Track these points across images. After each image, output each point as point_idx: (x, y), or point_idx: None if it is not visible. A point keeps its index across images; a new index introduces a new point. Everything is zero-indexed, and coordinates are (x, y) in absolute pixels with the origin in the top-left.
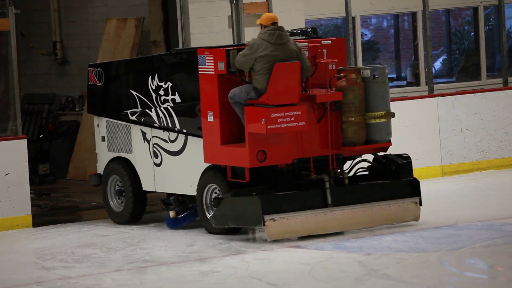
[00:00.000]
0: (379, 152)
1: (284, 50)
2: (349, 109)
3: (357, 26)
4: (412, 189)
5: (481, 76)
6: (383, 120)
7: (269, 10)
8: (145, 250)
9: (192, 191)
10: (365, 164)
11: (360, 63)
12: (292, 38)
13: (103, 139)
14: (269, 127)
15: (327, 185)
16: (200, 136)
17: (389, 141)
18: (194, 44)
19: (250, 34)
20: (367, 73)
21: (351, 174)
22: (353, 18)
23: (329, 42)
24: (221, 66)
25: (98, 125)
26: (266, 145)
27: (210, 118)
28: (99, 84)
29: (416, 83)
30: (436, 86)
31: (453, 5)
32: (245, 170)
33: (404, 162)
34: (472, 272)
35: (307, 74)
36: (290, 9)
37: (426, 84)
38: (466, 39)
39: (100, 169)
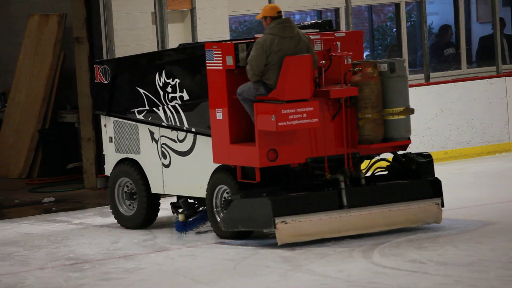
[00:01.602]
0: (398, 151)
1: (295, 43)
2: (365, 105)
3: None
4: (434, 190)
5: None
6: (401, 116)
7: (193, 6)
8: (69, 248)
9: (202, 193)
10: (384, 164)
11: None
12: (303, 31)
13: (110, 139)
14: (279, 124)
15: (343, 185)
16: (209, 135)
17: (409, 138)
18: (117, 40)
19: (174, 30)
20: (384, 66)
21: (368, 174)
22: None
23: (343, 34)
24: (229, 60)
25: (105, 125)
26: (277, 143)
27: (219, 116)
28: (105, 82)
29: None
30: None
31: (375, 1)
32: (255, 170)
33: (424, 161)
34: (396, 266)
35: (315, 65)
36: (214, 5)
37: None
38: (388, 35)
39: (108, 171)
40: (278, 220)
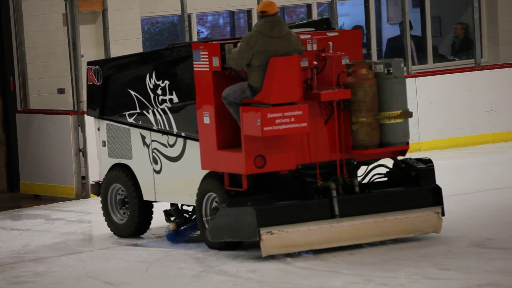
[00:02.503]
0: (397, 156)
1: (283, 44)
2: (359, 109)
3: (193, 24)
4: (434, 198)
5: None
6: (398, 120)
7: (104, 7)
8: None
9: (193, 201)
10: (383, 170)
11: None
12: (296, 30)
13: (103, 143)
14: (265, 129)
15: (334, 193)
16: (198, 140)
17: (407, 143)
18: (28, 42)
19: (86, 31)
20: (380, 67)
21: (366, 180)
22: (189, 16)
23: (336, 34)
24: (216, 61)
25: (98, 129)
26: (265, 149)
27: (206, 120)
28: (98, 84)
29: None
30: None
31: (287, 2)
32: (242, 177)
33: (424, 167)
34: (308, 266)
35: None
36: (126, 6)
37: None
38: None
39: (101, 177)
40: (263, 231)
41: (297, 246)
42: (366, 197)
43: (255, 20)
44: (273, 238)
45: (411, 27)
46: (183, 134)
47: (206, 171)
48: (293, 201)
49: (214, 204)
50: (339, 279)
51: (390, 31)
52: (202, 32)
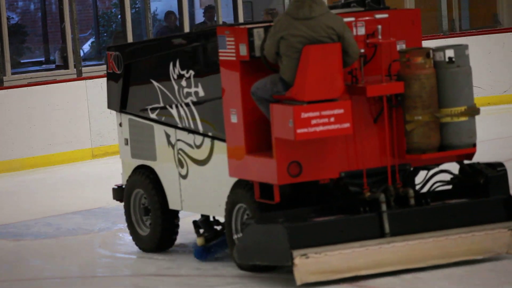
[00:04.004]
0: (463, 160)
1: (315, 28)
2: (414, 105)
3: (2, 9)
4: (506, 211)
5: None
6: (463, 118)
7: None
8: None
9: (222, 212)
10: (446, 177)
11: (7, 49)
12: (335, 11)
13: (126, 142)
14: (298, 131)
15: (384, 207)
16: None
17: (474, 145)
18: None
19: None
20: (440, 55)
21: (425, 189)
22: None
23: (385, 15)
24: (243, 49)
25: (120, 124)
26: (301, 154)
27: (233, 119)
28: (118, 72)
29: (65, 66)
30: (85, 69)
31: None
32: (274, 188)
33: (495, 175)
34: (122, 253)
35: (353, 59)
36: None
37: (75, 67)
38: (113, 22)
39: (125, 180)
40: (296, 254)
41: (338, 272)
42: (423, 211)
43: (66, 6)
44: (309, 262)
45: None
46: (210, 133)
47: (235, 178)
48: (334, 217)
49: (245, 217)
50: (154, 265)
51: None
52: (12, 18)
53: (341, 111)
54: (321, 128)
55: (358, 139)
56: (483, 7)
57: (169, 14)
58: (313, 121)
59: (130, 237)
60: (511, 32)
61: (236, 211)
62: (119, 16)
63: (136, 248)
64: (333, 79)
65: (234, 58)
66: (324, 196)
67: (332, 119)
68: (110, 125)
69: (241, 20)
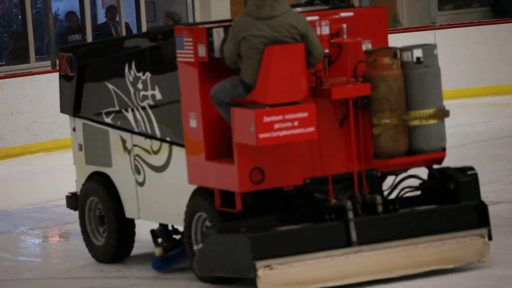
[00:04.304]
0: (432, 165)
1: (277, 28)
2: (381, 108)
3: None
4: (478, 217)
5: (30, 59)
6: (432, 121)
7: None
8: None
9: (181, 221)
10: (415, 182)
11: None
12: (297, 9)
13: (80, 147)
14: (261, 136)
15: (351, 214)
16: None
17: (443, 149)
18: None
19: None
20: (407, 55)
21: (393, 195)
22: None
23: (351, 14)
24: (202, 50)
25: (74, 129)
26: (263, 160)
27: (192, 123)
28: (71, 75)
29: None
30: None
31: None
32: (236, 195)
33: (466, 180)
34: (25, 256)
35: (317, 60)
36: None
37: None
38: (14, 22)
39: (79, 188)
40: (260, 265)
41: (304, 283)
42: (392, 218)
43: None
44: (273, 274)
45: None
46: (168, 138)
47: (195, 186)
48: (299, 226)
49: (206, 227)
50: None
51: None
52: None
53: (305, 114)
54: (284, 132)
55: (323, 143)
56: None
57: (70, 14)
58: (276, 126)
59: (35, 241)
60: (411, 32)
61: (196, 220)
62: (20, 16)
63: (38, 250)
64: (296, 81)
65: (192, 60)
66: (288, 203)
67: (296, 123)
68: (11, 127)
69: (143, 20)
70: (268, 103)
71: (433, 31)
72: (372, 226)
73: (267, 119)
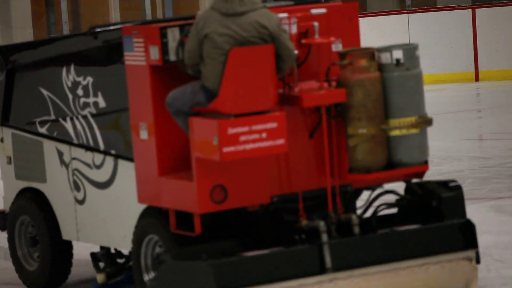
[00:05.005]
0: (411, 179)
1: (245, 26)
2: (358, 116)
3: None
4: (464, 238)
5: None
6: (413, 130)
7: None
8: None
9: (128, 245)
10: (391, 197)
11: None
12: (266, 5)
13: (8, 160)
14: (225, 150)
15: (325, 237)
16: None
17: (425, 163)
18: None
19: None
20: (386, 57)
21: (367, 214)
22: None
23: (323, 11)
24: (155, 53)
25: (1, 140)
26: (226, 176)
27: (143, 134)
28: None
29: None
30: None
31: None
32: (194, 217)
33: (449, 195)
34: None
35: (288, 65)
36: None
37: None
38: None
39: (7, 205)
40: None
41: None
42: (370, 241)
43: None
44: None
45: None
46: (113, 151)
47: (144, 205)
48: (267, 250)
49: (157, 250)
50: None
51: None
52: None
53: (274, 125)
54: (251, 145)
55: (291, 157)
56: (186, 7)
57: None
58: (242, 138)
59: None
60: None
61: (146, 243)
62: None
63: None
64: (264, 87)
65: (143, 63)
66: (252, 225)
67: (264, 135)
68: None
69: None
70: (233, 112)
71: None
72: (348, 250)
73: (231, 130)
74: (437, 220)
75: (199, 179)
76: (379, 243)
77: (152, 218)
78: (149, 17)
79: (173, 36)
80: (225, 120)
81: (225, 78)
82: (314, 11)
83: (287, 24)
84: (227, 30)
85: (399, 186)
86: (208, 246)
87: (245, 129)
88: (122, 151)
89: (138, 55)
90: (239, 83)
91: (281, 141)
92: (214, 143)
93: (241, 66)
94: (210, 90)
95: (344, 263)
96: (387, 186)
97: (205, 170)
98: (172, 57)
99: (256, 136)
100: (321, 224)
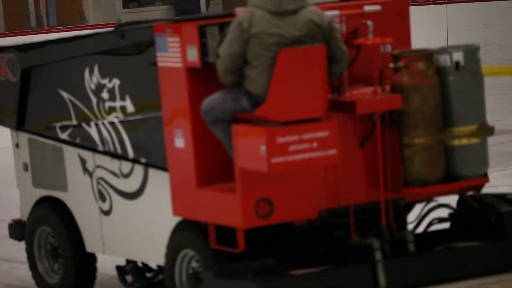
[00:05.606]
0: (467, 192)
1: (295, 25)
2: (414, 124)
3: None
4: None
5: None
6: (474, 140)
7: None
8: None
9: (159, 259)
10: (443, 212)
11: None
12: (315, 0)
13: (25, 167)
14: (273, 160)
15: (379, 255)
16: (167, 170)
17: (485, 175)
18: None
19: None
20: (445, 59)
21: (419, 230)
22: None
23: (378, 8)
24: (193, 53)
25: (17, 145)
26: (271, 189)
27: (179, 143)
28: (13, 80)
29: None
30: None
31: None
32: (238, 232)
33: (510, 209)
34: None
35: (341, 68)
36: None
37: None
38: None
39: (24, 215)
40: None
41: None
42: (426, 259)
43: None
44: None
45: None
46: (143, 160)
47: (178, 217)
48: (317, 269)
49: (193, 265)
50: None
51: None
52: None
53: (325, 134)
54: (301, 156)
55: (340, 168)
56: (70, 4)
57: None
58: (291, 148)
59: None
60: (97, 29)
61: (181, 258)
62: None
63: None
64: (316, 92)
65: (179, 65)
66: (296, 240)
67: (314, 145)
68: None
69: None
70: (281, 120)
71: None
72: (403, 269)
73: (280, 139)
74: (496, 236)
75: (243, 191)
76: (435, 261)
77: (188, 232)
78: (32, 14)
79: (212, 35)
80: (273, 128)
81: (273, 82)
82: (368, 8)
83: (338, 23)
84: (278, 30)
85: (451, 199)
86: (250, 263)
87: (295, 138)
88: (154, 160)
89: (173, 56)
90: (289, 88)
91: (332, 152)
92: (261, 153)
93: (291, 69)
94: (255, 96)
95: (399, 283)
96: (440, 199)
97: (250, 182)
98: (212, 58)
99: (306, 145)
100: (375, 242)
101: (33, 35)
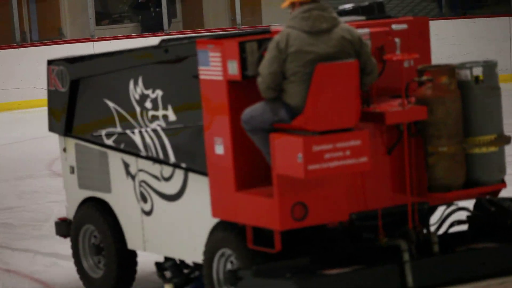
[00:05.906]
0: (484, 196)
1: (328, 43)
2: (438, 134)
3: None
4: None
5: None
6: (492, 149)
7: None
8: None
9: (197, 257)
10: (461, 215)
11: None
12: (344, 19)
13: (71, 170)
14: (310, 167)
15: (406, 256)
16: (206, 174)
17: (503, 181)
18: None
19: None
20: (465, 74)
21: (440, 231)
22: None
23: (404, 26)
24: (233, 67)
25: (64, 149)
26: (306, 193)
27: (219, 150)
28: (63, 90)
29: None
30: None
31: None
32: (275, 234)
33: None
34: None
35: (372, 79)
36: None
37: None
38: None
39: (70, 214)
40: None
41: None
42: (450, 259)
43: None
44: None
45: None
46: (183, 165)
47: (217, 219)
48: (349, 269)
49: (230, 264)
50: None
51: None
52: None
53: (357, 142)
54: (335, 163)
55: (369, 174)
56: (49, 21)
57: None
58: (326, 155)
59: None
60: (73, 44)
61: (218, 257)
62: None
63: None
64: (349, 104)
65: (220, 78)
66: (328, 242)
67: (347, 153)
68: None
69: None
70: (317, 129)
71: (92, 42)
72: (429, 269)
73: (316, 148)
74: (510, 238)
75: (280, 196)
76: (458, 261)
77: (226, 232)
78: (17, 30)
79: (251, 51)
80: (310, 137)
81: (310, 95)
82: (395, 27)
83: (367, 40)
84: (313, 48)
85: (469, 203)
86: (286, 263)
87: (330, 146)
88: (194, 165)
89: (214, 70)
90: (325, 100)
91: (364, 159)
92: (298, 161)
93: (327, 82)
94: (292, 108)
95: (424, 282)
96: (459, 202)
97: (286, 187)
98: (251, 72)
99: (340, 153)
100: (403, 243)
101: (17, 49)
